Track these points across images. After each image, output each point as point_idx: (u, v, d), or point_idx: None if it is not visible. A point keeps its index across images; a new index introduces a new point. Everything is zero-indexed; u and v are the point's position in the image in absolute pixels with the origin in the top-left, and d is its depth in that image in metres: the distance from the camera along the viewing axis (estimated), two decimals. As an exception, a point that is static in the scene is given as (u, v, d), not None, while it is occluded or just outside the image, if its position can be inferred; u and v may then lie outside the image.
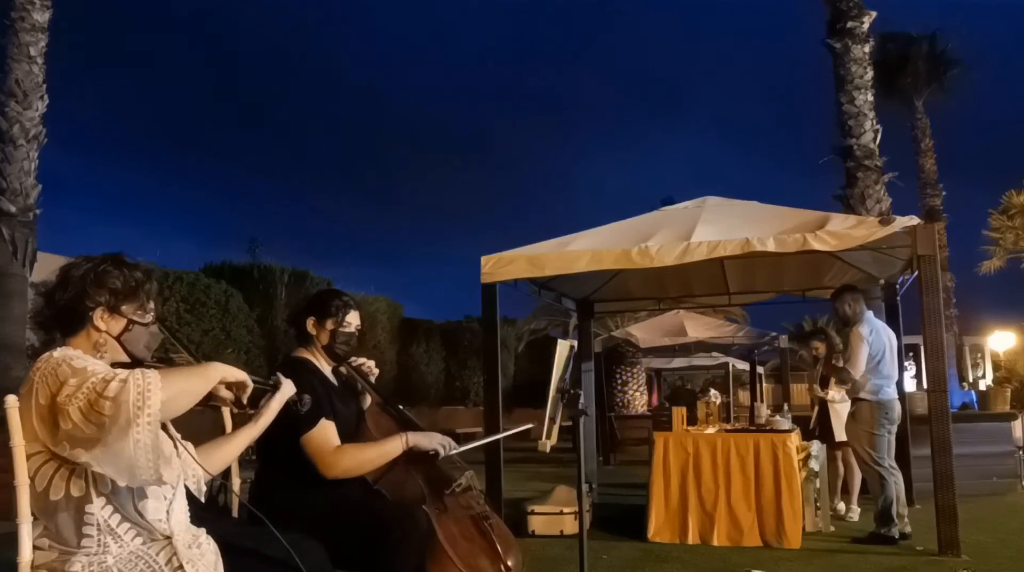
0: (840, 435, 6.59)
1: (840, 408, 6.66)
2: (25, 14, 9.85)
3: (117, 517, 1.87)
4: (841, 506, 6.79)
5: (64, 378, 1.79)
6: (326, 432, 2.68)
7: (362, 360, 3.00)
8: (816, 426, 7.04)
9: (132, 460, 1.71)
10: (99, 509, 1.85)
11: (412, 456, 2.75)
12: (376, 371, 3.03)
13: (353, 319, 2.92)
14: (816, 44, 12.03)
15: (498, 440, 5.74)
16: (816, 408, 7.18)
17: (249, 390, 2.08)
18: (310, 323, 2.90)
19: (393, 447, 2.72)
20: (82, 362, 1.84)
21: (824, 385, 6.99)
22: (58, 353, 1.88)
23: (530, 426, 3.91)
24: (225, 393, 2.05)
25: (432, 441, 2.77)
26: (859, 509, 6.62)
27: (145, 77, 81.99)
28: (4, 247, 9.56)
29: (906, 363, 8.54)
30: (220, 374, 1.98)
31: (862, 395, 5.71)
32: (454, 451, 2.82)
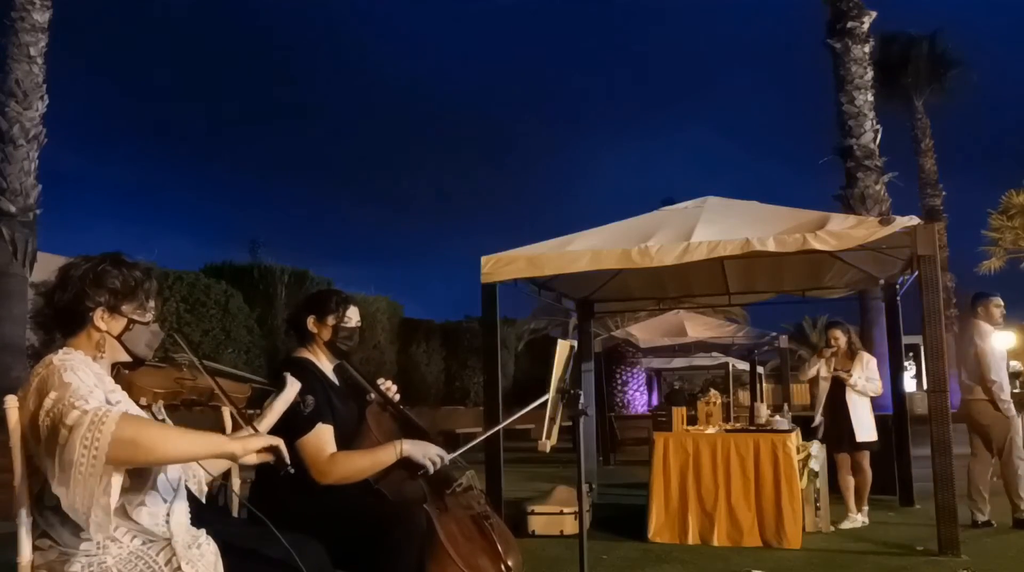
0: (862, 435, 6.07)
1: (859, 402, 6.13)
2: (25, 14, 9.87)
3: (117, 517, 1.87)
4: (859, 517, 6.14)
5: (50, 389, 1.79)
6: (321, 438, 2.65)
7: (388, 384, 2.96)
8: (826, 427, 6.30)
9: (71, 495, 1.70)
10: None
11: (406, 465, 2.73)
12: (398, 396, 2.97)
13: (353, 314, 2.93)
14: (817, 44, 12.06)
15: (498, 442, 5.75)
16: (822, 406, 6.33)
17: (284, 451, 1.97)
18: (310, 321, 2.90)
19: (386, 456, 2.70)
20: (71, 376, 1.82)
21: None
22: (58, 358, 1.88)
23: (527, 419, 3.88)
24: (264, 457, 1.96)
25: (425, 453, 2.73)
26: (865, 512, 6.26)
27: (147, 76, 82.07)
28: (4, 247, 9.56)
29: (906, 363, 8.51)
30: (242, 449, 1.90)
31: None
32: (449, 456, 2.80)
